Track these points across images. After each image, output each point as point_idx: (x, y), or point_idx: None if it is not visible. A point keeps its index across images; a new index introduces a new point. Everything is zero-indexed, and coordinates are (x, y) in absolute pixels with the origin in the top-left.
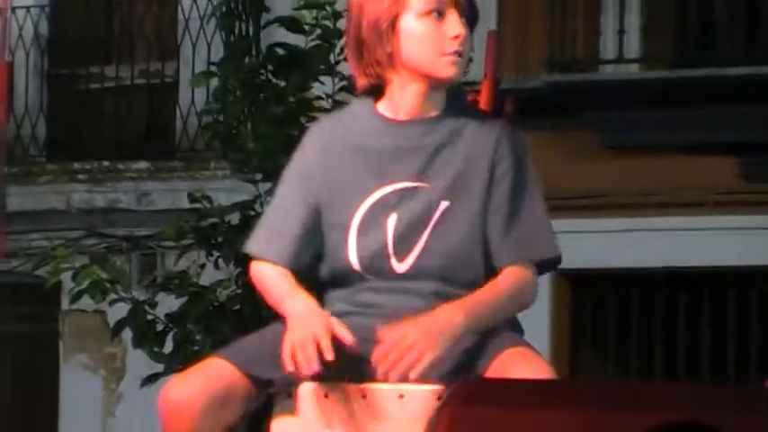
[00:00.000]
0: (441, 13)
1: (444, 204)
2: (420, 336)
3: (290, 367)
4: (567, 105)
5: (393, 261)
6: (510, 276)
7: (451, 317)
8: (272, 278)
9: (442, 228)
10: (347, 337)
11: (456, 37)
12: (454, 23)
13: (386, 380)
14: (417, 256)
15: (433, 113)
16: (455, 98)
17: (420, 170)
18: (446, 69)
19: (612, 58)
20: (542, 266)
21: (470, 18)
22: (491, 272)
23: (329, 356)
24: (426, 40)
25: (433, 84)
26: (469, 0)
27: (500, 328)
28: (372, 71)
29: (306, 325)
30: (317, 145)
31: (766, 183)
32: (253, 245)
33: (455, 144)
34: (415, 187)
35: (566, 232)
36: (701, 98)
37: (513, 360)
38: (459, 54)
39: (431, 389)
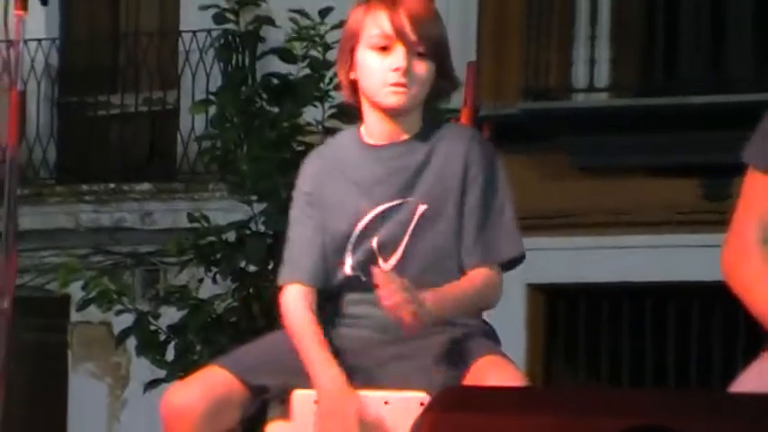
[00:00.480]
0: (386, 48)
1: (422, 208)
2: (391, 293)
3: None
4: (542, 131)
5: (380, 261)
6: (475, 278)
7: (421, 293)
8: (302, 330)
9: (421, 230)
10: (370, 416)
11: (396, 69)
12: (398, 57)
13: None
14: (400, 255)
15: (405, 136)
16: (430, 115)
17: (403, 190)
18: (387, 98)
19: (583, 87)
20: (508, 265)
21: (428, 52)
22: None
23: None
24: (372, 71)
25: (386, 112)
26: (428, 37)
27: (476, 336)
28: (348, 93)
29: (338, 413)
30: (310, 175)
31: (725, 202)
32: (285, 275)
33: (431, 161)
34: (400, 204)
35: (540, 249)
36: (665, 124)
37: (489, 368)
38: (403, 84)
39: (414, 396)
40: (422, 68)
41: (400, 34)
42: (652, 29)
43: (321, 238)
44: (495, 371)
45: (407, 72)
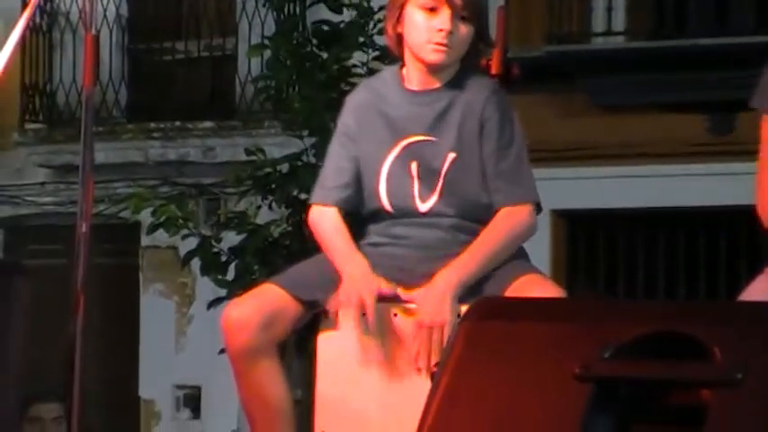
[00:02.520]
0: (434, 9)
1: (452, 156)
2: (431, 318)
3: (336, 327)
4: (564, 71)
5: (417, 202)
6: (503, 221)
7: (449, 282)
8: (331, 235)
9: (452, 175)
10: (390, 289)
11: (441, 30)
12: (444, 20)
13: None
14: (436, 199)
15: (437, 85)
16: (464, 70)
17: (429, 127)
18: (430, 55)
19: (602, 32)
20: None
21: (470, 17)
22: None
23: (371, 318)
24: (419, 29)
25: (427, 66)
26: (471, 3)
27: (511, 258)
28: (392, 42)
29: (357, 288)
30: (352, 108)
31: (729, 135)
32: (313, 196)
33: (454, 107)
34: (426, 140)
35: (563, 179)
36: (675, 65)
37: (531, 284)
38: (444, 45)
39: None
40: (463, 31)
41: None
42: None
43: (353, 166)
44: (538, 286)
45: (451, 33)
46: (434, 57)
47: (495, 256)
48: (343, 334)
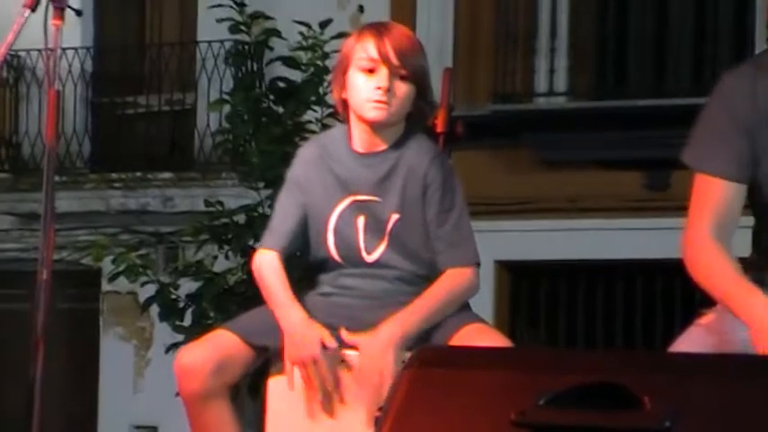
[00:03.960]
0: (372, 70)
1: (395, 216)
2: (371, 364)
3: (290, 387)
4: (508, 129)
5: (364, 254)
6: (448, 280)
7: (393, 332)
8: (270, 282)
9: (396, 234)
10: (332, 344)
11: (379, 88)
12: (381, 78)
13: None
14: (382, 251)
15: (382, 147)
16: (408, 132)
17: (373, 188)
18: (369, 112)
19: (544, 92)
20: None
21: (409, 76)
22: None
23: (328, 382)
24: (359, 89)
25: (370, 124)
26: (409, 63)
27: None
28: (338, 107)
29: (302, 342)
30: (302, 161)
31: (664, 192)
32: (261, 242)
33: (397, 170)
34: (371, 200)
35: (506, 231)
36: (614, 124)
37: (476, 333)
38: (383, 102)
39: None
40: (402, 89)
41: (384, 58)
42: (603, 43)
43: (299, 213)
44: (484, 335)
45: (388, 91)
46: (373, 114)
47: (438, 312)
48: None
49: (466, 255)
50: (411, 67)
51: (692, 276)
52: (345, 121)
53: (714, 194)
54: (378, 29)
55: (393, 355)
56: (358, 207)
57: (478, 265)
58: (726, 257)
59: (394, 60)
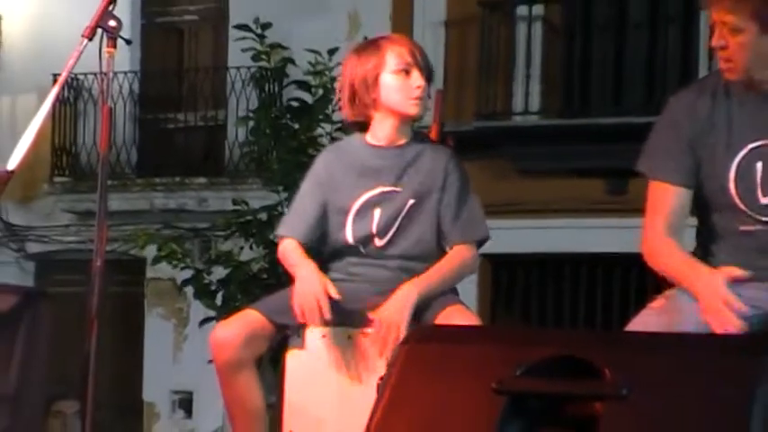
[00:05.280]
0: (407, 71)
1: (411, 202)
2: (390, 316)
3: (300, 319)
4: (490, 143)
5: (376, 239)
6: (457, 254)
7: (409, 295)
8: (289, 251)
9: (408, 218)
10: (335, 293)
11: (418, 87)
12: (417, 77)
13: (381, 355)
14: (392, 235)
15: (402, 141)
16: (417, 133)
17: (394, 179)
18: (412, 108)
19: (521, 111)
20: (481, 243)
21: (428, 76)
22: (441, 250)
23: (326, 314)
24: (399, 89)
25: (404, 119)
26: (428, 64)
27: (445, 292)
28: (361, 111)
29: (309, 286)
30: (325, 163)
31: (622, 196)
32: (279, 229)
33: (418, 162)
34: (392, 191)
35: (489, 229)
36: (580, 139)
37: (454, 313)
38: (420, 98)
39: None
40: (426, 86)
41: (416, 61)
42: (570, 70)
43: (319, 210)
44: (460, 315)
45: (424, 89)
46: (416, 110)
47: (447, 280)
48: (307, 351)
49: (474, 234)
50: (429, 69)
51: (651, 266)
52: (368, 119)
53: (666, 198)
54: (399, 38)
55: (410, 312)
56: (380, 197)
57: (481, 244)
58: (678, 247)
59: (422, 63)
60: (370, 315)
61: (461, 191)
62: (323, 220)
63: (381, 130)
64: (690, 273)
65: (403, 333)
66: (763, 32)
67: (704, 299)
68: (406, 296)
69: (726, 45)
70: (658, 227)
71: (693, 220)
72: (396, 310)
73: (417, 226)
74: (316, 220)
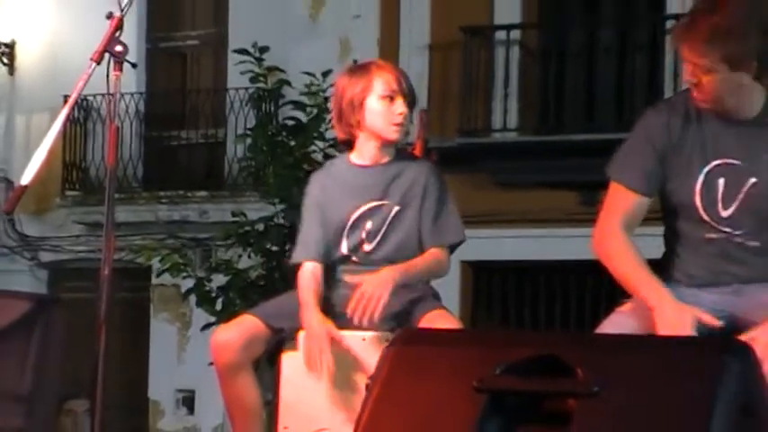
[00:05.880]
0: (392, 98)
1: (396, 209)
2: (372, 288)
3: (306, 366)
4: (471, 157)
5: (365, 244)
6: (431, 255)
7: (390, 274)
8: (305, 283)
9: (394, 224)
10: (338, 336)
11: (400, 114)
12: (400, 105)
13: (359, 324)
14: (379, 240)
15: (385, 160)
16: (400, 150)
17: (381, 194)
18: (393, 134)
19: (500, 128)
20: (454, 247)
21: (411, 103)
22: (422, 252)
23: (328, 361)
24: (382, 114)
25: (384, 142)
26: (411, 92)
27: (427, 297)
28: (347, 130)
29: (314, 338)
30: (318, 186)
31: (595, 207)
32: (296, 255)
33: (401, 176)
34: (380, 204)
35: (470, 238)
36: (555, 154)
37: (437, 317)
38: (401, 124)
39: (383, 335)
40: (408, 113)
41: (401, 89)
42: (546, 90)
43: (323, 230)
44: (443, 319)
45: (405, 116)
46: (396, 135)
47: (421, 273)
48: (300, 353)
49: (448, 239)
50: (412, 96)
51: (598, 257)
52: (353, 138)
53: (624, 200)
54: (387, 66)
55: (390, 288)
56: (370, 211)
57: (456, 246)
58: (631, 247)
59: (407, 91)
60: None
61: (440, 199)
62: (327, 238)
63: (366, 150)
64: (642, 285)
65: (383, 303)
66: (732, 71)
67: (666, 328)
68: (388, 273)
69: (698, 82)
70: (613, 222)
71: (658, 229)
72: (378, 284)
73: (401, 231)
74: (324, 238)
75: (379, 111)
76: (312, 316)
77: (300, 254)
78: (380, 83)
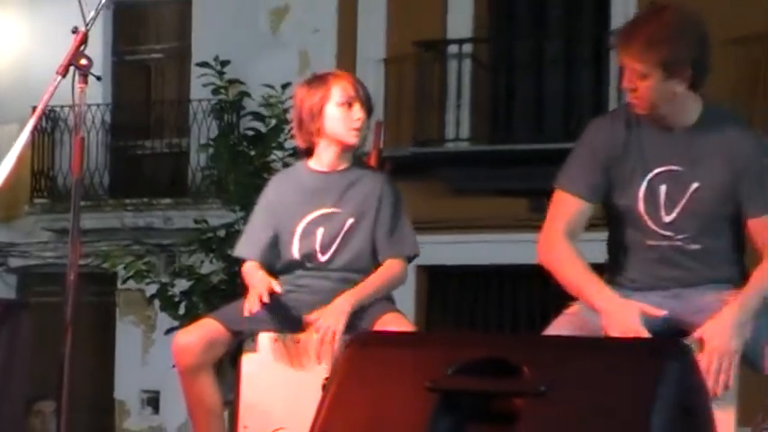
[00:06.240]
0: (350, 104)
1: (350, 221)
2: (328, 322)
3: (246, 312)
4: (425, 166)
5: (319, 255)
6: (388, 268)
7: (344, 305)
8: (251, 272)
9: (348, 235)
10: (278, 288)
11: (358, 119)
12: (358, 110)
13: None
14: (333, 251)
15: (343, 166)
16: (357, 159)
17: (334, 201)
18: (352, 138)
19: (452, 138)
20: (410, 259)
21: (368, 109)
22: (377, 261)
23: (266, 299)
24: (341, 120)
25: (345, 148)
26: (368, 99)
27: (381, 300)
28: (307, 138)
29: (256, 284)
30: (274, 188)
31: (543, 213)
32: (238, 251)
33: (356, 186)
34: (333, 212)
35: (424, 243)
36: (506, 162)
37: (391, 320)
38: (360, 129)
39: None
40: (366, 119)
41: (359, 95)
42: (496, 101)
43: (270, 232)
44: (396, 321)
45: (363, 121)
46: (355, 140)
47: (378, 291)
48: (260, 354)
49: (404, 250)
50: (369, 103)
51: (542, 263)
52: (312, 145)
53: (568, 207)
54: (344, 75)
55: (345, 319)
56: (318, 221)
57: (411, 260)
58: (574, 252)
59: (364, 98)
60: (311, 319)
61: (394, 212)
62: (274, 239)
63: (325, 157)
64: (589, 289)
65: (339, 337)
66: (667, 78)
67: (614, 327)
68: (342, 305)
69: (635, 88)
70: (557, 229)
71: (603, 234)
72: (333, 316)
73: (356, 242)
74: (268, 240)
75: (338, 117)
76: (256, 275)
77: (245, 251)
78: (338, 90)
